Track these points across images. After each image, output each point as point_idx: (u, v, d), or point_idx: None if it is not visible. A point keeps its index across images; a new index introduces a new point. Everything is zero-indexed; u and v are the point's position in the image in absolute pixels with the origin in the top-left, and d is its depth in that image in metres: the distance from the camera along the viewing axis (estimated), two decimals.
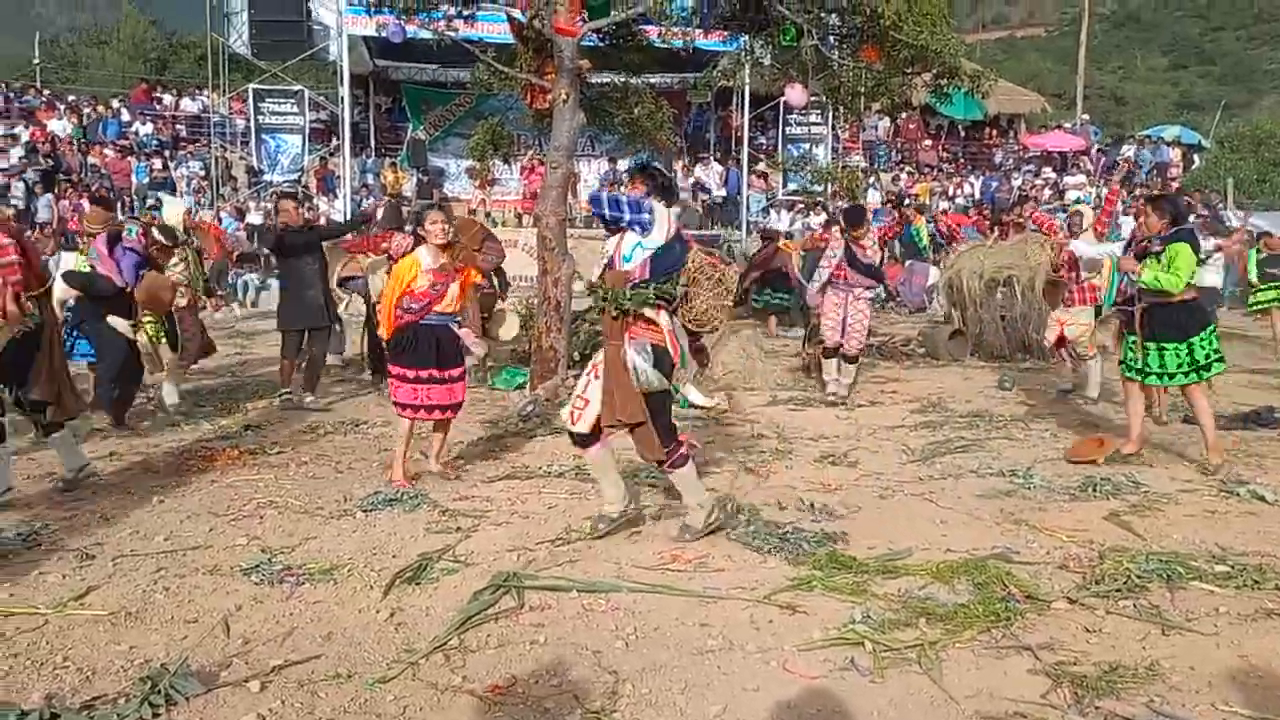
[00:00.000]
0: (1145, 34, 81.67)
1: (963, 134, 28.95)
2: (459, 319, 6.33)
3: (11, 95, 24.73)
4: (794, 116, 22.50)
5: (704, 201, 22.32)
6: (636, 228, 4.75)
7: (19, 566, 4.49)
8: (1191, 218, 9.28)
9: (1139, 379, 6.58)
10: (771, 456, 6.88)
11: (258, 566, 4.51)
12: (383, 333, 6.31)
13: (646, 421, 4.79)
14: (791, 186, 22.97)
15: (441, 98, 22.90)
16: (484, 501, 5.72)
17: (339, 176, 21.01)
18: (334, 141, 22.21)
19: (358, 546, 4.89)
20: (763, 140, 24.38)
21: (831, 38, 9.50)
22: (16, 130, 22.04)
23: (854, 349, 9.14)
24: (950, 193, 24.21)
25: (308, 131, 22.04)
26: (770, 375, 10.02)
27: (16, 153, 20.79)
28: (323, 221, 16.52)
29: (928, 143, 27.22)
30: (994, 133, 29.18)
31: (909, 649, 3.67)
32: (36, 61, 38.56)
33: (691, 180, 22.82)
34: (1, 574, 4.40)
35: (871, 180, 23.37)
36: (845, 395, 9.02)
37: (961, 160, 27.41)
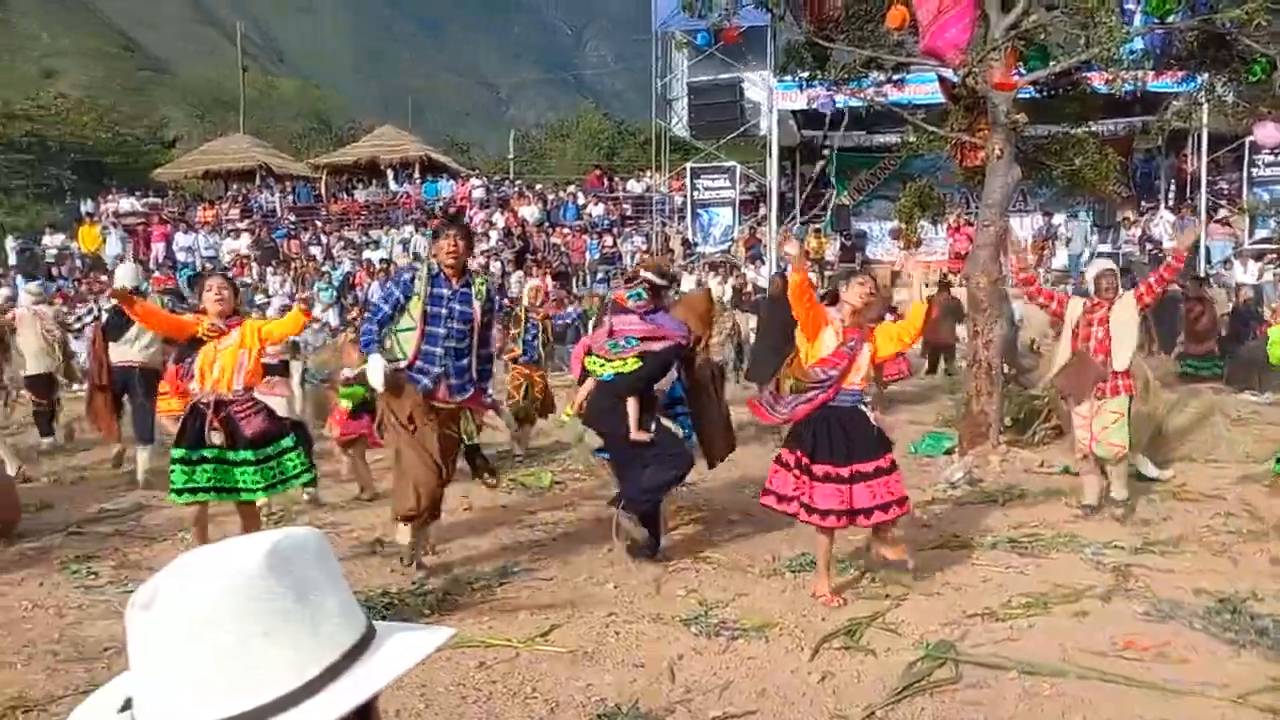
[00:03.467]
0: None
1: None
2: (866, 398, 5.30)
3: (492, 186, 28.59)
4: (1261, 157, 20.00)
5: (1153, 252, 20.40)
6: None
7: (498, 603, 5.08)
8: None
9: None
10: (1243, 538, 6.07)
11: (696, 618, 4.75)
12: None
13: None
14: (1261, 234, 20.35)
15: (866, 162, 23.10)
16: (913, 570, 5.59)
17: (765, 245, 21.85)
18: (761, 211, 23.18)
19: (788, 606, 4.98)
20: (1223, 185, 21.85)
21: None
22: (494, 217, 25.43)
23: None
24: None
25: (738, 203, 23.23)
26: (1237, 446, 8.82)
27: (495, 235, 23.96)
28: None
29: None
30: None
31: None
32: (511, 156, 44.33)
33: (1138, 232, 20.98)
34: (485, 608, 5.02)
35: None
36: None
37: None
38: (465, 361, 5.44)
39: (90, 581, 5.71)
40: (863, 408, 5.11)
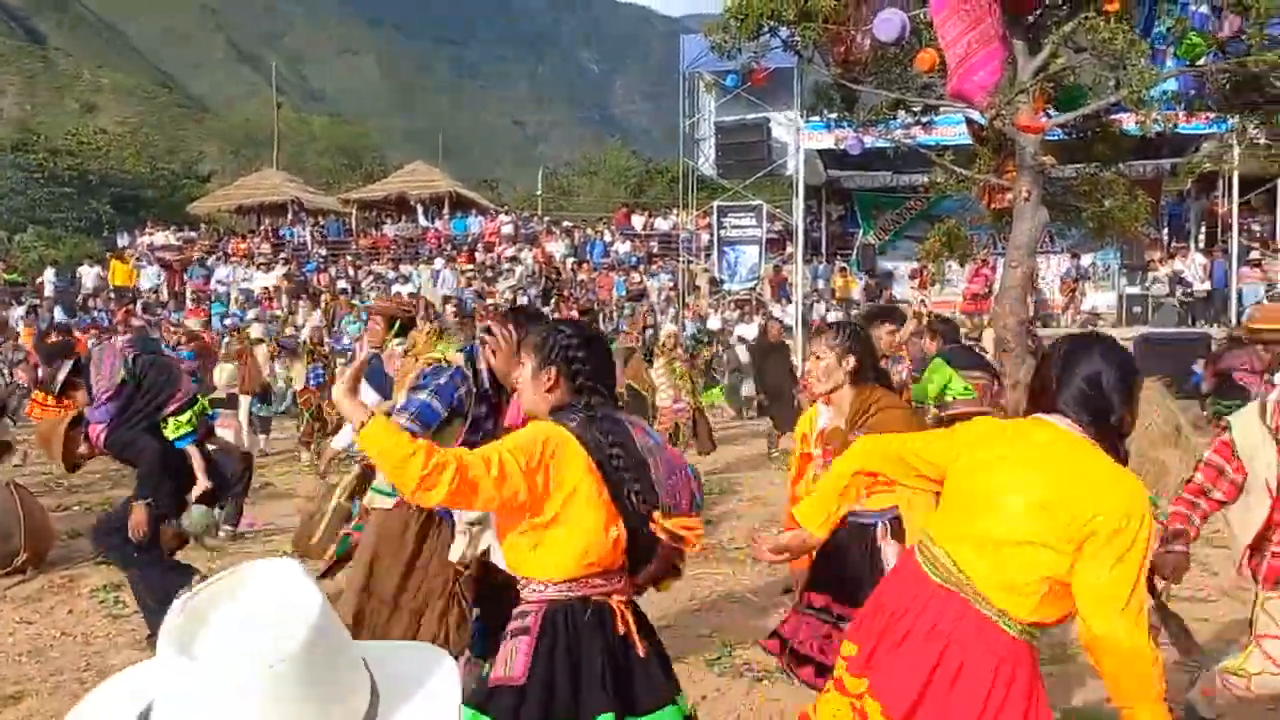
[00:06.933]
0: None
1: None
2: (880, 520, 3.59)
3: (520, 223, 28.81)
4: None
5: (1183, 296, 20.28)
6: None
7: None
8: None
9: None
10: None
11: (719, 659, 4.71)
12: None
13: None
14: None
15: (893, 202, 23.17)
16: None
17: (792, 283, 21.88)
18: (788, 250, 23.23)
19: None
20: (1256, 227, 21.69)
21: None
22: (522, 253, 25.62)
23: None
24: None
25: (764, 242, 23.30)
26: None
27: (520, 271, 24.13)
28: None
29: None
30: None
31: None
32: (539, 193, 44.73)
33: (1167, 272, 20.87)
34: None
35: None
36: None
37: None
38: None
39: (117, 610, 5.75)
40: (878, 532, 3.56)
